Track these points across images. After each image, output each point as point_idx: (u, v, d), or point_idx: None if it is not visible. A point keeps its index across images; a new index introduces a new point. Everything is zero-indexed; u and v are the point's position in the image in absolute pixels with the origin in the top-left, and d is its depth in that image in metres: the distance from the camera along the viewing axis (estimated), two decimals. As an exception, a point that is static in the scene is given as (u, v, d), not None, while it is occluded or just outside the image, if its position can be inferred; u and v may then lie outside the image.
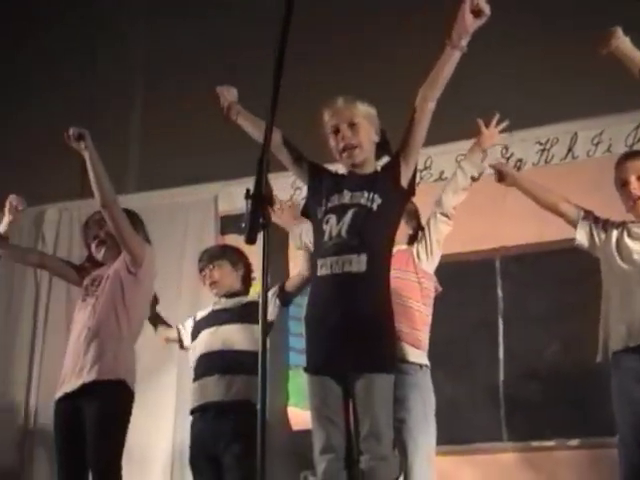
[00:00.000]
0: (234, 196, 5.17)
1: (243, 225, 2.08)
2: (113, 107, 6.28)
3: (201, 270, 4.23)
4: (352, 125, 3.13)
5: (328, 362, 3.02)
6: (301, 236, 3.69)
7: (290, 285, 4.07)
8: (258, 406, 2.09)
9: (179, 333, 4.30)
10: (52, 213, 5.43)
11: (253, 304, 4.11)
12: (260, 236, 2.09)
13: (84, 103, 6.31)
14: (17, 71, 6.54)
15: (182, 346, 4.31)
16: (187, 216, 5.32)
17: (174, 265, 5.15)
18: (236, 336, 4.05)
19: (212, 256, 4.22)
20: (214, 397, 3.94)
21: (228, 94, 3.41)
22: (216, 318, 4.14)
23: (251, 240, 2.06)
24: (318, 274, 3.10)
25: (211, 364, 4.02)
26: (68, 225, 5.41)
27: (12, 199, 4.10)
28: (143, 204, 4.08)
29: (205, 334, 4.12)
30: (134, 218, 3.89)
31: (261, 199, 2.07)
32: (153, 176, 5.88)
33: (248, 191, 2.12)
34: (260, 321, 2.12)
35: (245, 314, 4.09)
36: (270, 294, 4.06)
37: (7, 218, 4.09)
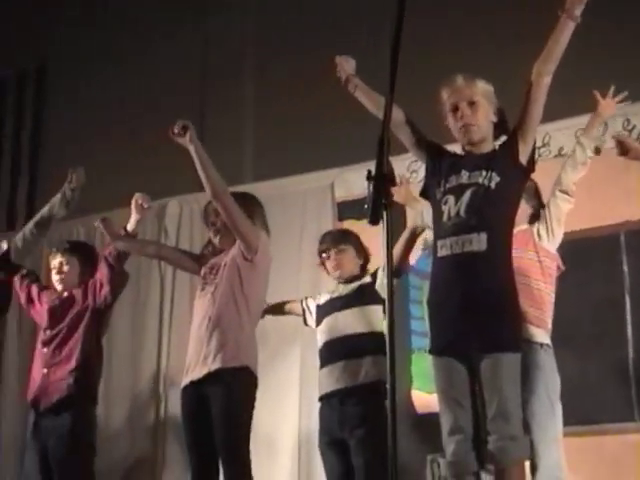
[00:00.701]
0: (350, 182, 5.18)
1: (366, 206, 2.08)
2: (225, 99, 6.36)
3: (322, 252, 4.24)
4: (471, 104, 3.12)
5: (452, 343, 3.01)
6: (422, 214, 3.67)
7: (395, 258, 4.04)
8: (387, 385, 2.07)
9: (304, 312, 4.34)
10: (173, 206, 5.55)
11: (367, 286, 4.13)
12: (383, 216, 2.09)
13: (196, 97, 6.44)
14: (133, 68, 6.72)
15: (306, 323, 4.35)
16: (304, 204, 5.35)
17: (292, 253, 5.19)
18: (355, 320, 4.06)
19: (336, 240, 4.22)
20: (340, 384, 3.97)
21: (347, 65, 3.38)
22: (334, 305, 4.16)
23: (374, 221, 2.06)
24: (438, 255, 3.10)
25: (335, 351, 4.04)
26: (189, 217, 5.52)
27: (138, 197, 4.20)
28: (259, 194, 4.09)
29: (326, 322, 4.14)
30: (253, 202, 3.92)
31: (383, 179, 2.06)
32: (268, 166, 5.94)
33: (369, 172, 2.12)
34: (387, 302, 2.13)
35: (361, 296, 4.11)
36: (380, 271, 4.08)
37: (134, 216, 4.19)
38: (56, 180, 6.76)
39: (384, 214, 2.08)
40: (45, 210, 4.25)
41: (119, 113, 6.68)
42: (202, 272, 3.89)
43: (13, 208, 7.02)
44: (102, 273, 4.29)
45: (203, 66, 6.52)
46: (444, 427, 3.02)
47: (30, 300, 4.50)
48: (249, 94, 6.42)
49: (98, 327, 4.37)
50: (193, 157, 3.63)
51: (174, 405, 5.16)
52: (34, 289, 4.50)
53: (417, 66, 4.65)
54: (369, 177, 2.11)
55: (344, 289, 4.20)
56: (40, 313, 4.48)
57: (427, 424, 4.41)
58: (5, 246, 4.46)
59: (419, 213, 3.78)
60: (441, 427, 3.04)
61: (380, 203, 2.05)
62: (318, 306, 4.28)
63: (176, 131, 3.60)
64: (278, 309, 4.32)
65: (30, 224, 4.29)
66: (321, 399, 4.10)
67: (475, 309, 2.96)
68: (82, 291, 4.36)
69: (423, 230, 3.87)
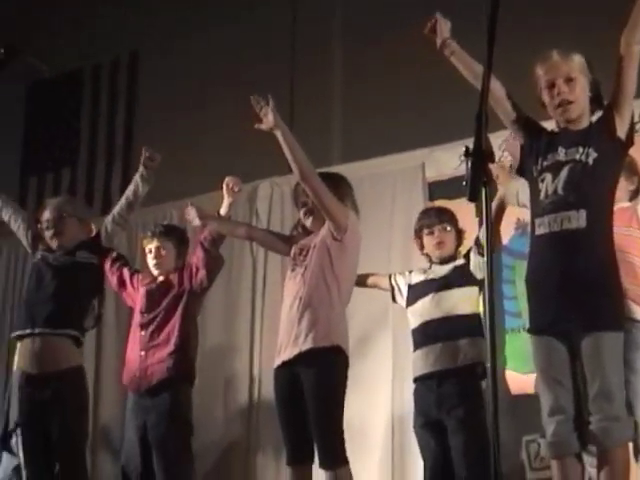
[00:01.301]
0: (441, 162, 5.12)
1: (464, 183, 2.05)
2: (313, 79, 6.37)
3: (425, 227, 4.19)
4: (569, 80, 3.06)
5: (552, 322, 2.96)
6: (518, 194, 3.62)
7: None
8: (488, 365, 2.05)
9: (392, 289, 4.32)
10: (264, 188, 5.57)
11: (462, 267, 4.11)
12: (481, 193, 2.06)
13: (284, 79, 6.45)
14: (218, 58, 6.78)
15: (394, 300, 4.33)
16: (394, 185, 5.31)
17: (383, 235, 5.16)
18: (453, 302, 4.04)
19: (441, 217, 4.18)
20: (438, 366, 3.96)
21: (444, 27, 3.23)
22: (430, 287, 4.13)
23: (473, 198, 2.03)
24: (536, 233, 3.05)
25: (432, 333, 4.02)
26: (280, 199, 5.54)
27: (229, 181, 4.23)
28: (349, 176, 4.07)
29: (422, 303, 4.12)
30: (341, 182, 3.90)
31: (481, 155, 2.03)
32: (357, 147, 5.92)
33: (467, 148, 2.09)
34: (486, 281, 2.09)
35: (457, 278, 4.08)
36: (472, 253, 4.04)
37: (227, 200, 4.22)
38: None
39: (482, 191, 2.05)
40: (130, 193, 4.31)
41: (210, 97, 6.74)
42: (292, 253, 3.89)
43: (108, 194, 7.16)
44: (198, 257, 4.33)
45: (291, 48, 6.52)
46: (544, 407, 2.97)
47: (122, 283, 4.57)
48: (337, 74, 6.40)
49: (195, 310, 4.43)
50: (280, 141, 3.63)
51: (267, 387, 5.21)
52: (125, 272, 4.57)
53: (512, 40, 4.55)
54: (467, 153, 2.08)
55: (439, 270, 4.16)
56: (133, 296, 4.56)
57: (521, 405, 4.36)
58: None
59: (513, 195, 3.71)
60: (541, 407, 2.99)
61: (479, 180, 2.02)
62: (410, 286, 4.24)
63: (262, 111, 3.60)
64: (363, 280, 4.27)
65: (116, 208, 4.36)
66: (416, 380, 4.09)
67: (575, 287, 2.90)
68: (178, 275, 4.42)
69: (506, 206, 3.80)
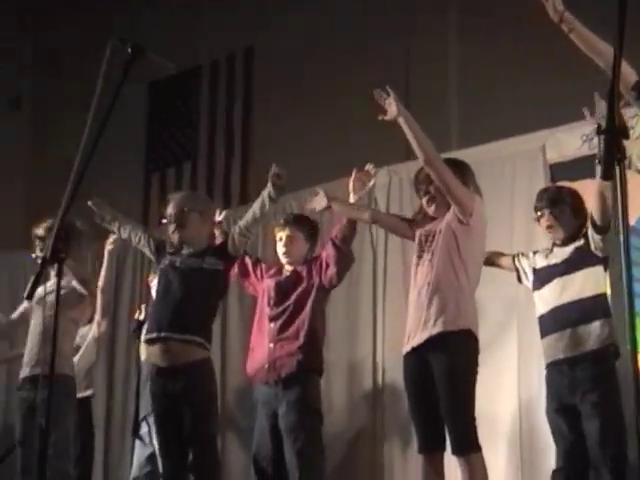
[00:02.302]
0: (563, 143, 5.01)
1: (597, 161, 1.99)
2: (429, 66, 6.33)
3: (537, 210, 4.16)
4: None
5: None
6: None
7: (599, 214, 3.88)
8: (628, 347, 1.99)
9: (517, 271, 4.26)
10: (382, 176, 5.54)
11: (583, 247, 4.03)
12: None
13: (399, 66, 6.43)
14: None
15: (520, 281, 4.27)
16: (514, 168, 5.22)
17: (504, 219, 5.08)
18: (579, 284, 3.96)
19: (551, 199, 4.12)
20: (570, 351, 3.89)
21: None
22: (554, 271, 4.06)
23: (608, 176, 1.96)
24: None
25: (561, 318, 3.96)
26: (398, 187, 5.52)
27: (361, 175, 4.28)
28: (468, 160, 4.04)
29: (548, 289, 4.05)
30: (464, 169, 3.89)
31: (615, 132, 1.96)
32: (475, 131, 5.85)
33: (599, 126, 2.03)
34: (623, 261, 2.03)
35: (580, 259, 4.00)
36: (589, 231, 3.94)
37: (355, 195, 4.28)
38: (268, 159, 6.99)
39: (617, 169, 1.98)
40: (256, 209, 4.24)
41: (324, 88, 6.77)
42: (417, 239, 3.91)
43: (228, 187, 7.29)
44: (329, 254, 4.34)
45: (406, 33, 6.49)
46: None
47: (244, 272, 4.59)
48: (453, 58, 6.34)
49: (323, 304, 4.46)
50: (404, 129, 3.66)
51: (391, 374, 5.22)
52: (247, 261, 4.58)
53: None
54: (599, 131, 2.02)
55: (561, 253, 4.09)
56: (256, 285, 4.59)
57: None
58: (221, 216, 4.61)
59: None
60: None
61: (613, 158, 1.96)
62: (534, 270, 4.18)
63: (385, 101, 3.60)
64: (486, 258, 4.19)
65: (243, 221, 4.28)
66: (548, 366, 4.02)
67: None
68: (307, 268, 4.44)
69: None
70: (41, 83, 8.64)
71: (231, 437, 5.89)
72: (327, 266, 4.35)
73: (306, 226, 4.54)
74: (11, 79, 8.34)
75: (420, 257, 3.84)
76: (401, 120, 3.65)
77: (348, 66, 6.67)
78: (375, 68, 6.44)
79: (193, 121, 7.70)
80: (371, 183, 4.30)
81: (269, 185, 4.14)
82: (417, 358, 3.73)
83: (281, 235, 4.50)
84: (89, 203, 4.38)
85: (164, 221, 4.38)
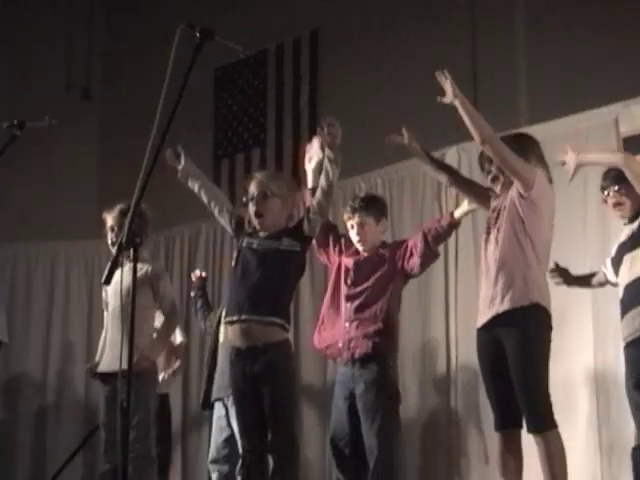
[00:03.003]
0: (636, 116, 4.92)
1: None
2: (496, 41, 6.26)
3: (603, 190, 4.14)
4: None
5: None
6: None
7: None
8: None
9: (605, 276, 4.27)
10: (451, 155, 5.52)
11: None
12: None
13: (466, 42, 6.37)
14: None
15: (612, 283, 4.25)
16: (586, 142, 5.11)
17: (577, 193, 4.99)
18: None
19: (616, 178, 4.07)
20: None
21: None
22: (623, 249, 4.04)
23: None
24: None
25: (632, 295, 3.92)
26: (467, 165, 5.45)
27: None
28: (538, 136, 3.99)
29: (622, 269, 4.02)
30: (524, 142, 3.87)
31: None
32: (544, 106, 5.77)
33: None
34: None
35: None
36: None
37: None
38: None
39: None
40: (322, 182, 4.15)
41: (390, 69, 6.75)
42: (487, 218, 3.91)
43: (297, 171, 7.29)
44: (416, 244, 4.34)
45: (472, 8, 6.43)
46: None
47: (323, 241, 4.55)
48: (520, 32, 6.24)
49: (401, 289, 4.46)
50: (460, 110, 3.69)
51: (464, 353, 5.20)
52: (333, 238, 4.57)
53: None
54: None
55: (628, 230, 4.06)
56: (331, 256, 4.56)
57: None
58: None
59: None
60: None
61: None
62: (611, 259, 4.18)
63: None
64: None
65: (315, 198, 4.25)
66: (626, 343, 3.98)
67: None
68: (390, 252, 4.43)
69: None
70: (111, 72, 8.78)
71: (307, 417, 5.92)
72: (411, 255, 4.34)
73: (374, 209, 4.52)
74: (82, 68, 8.46)
75: (488, 234, 3.84)
76: (457, 102, 3.68)
77: (413, 44, 6.63)
78: (440, 44, 6.40)
79: (260, 106, 7.73)
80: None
81: (326, 150, 4.07)
82: (488, 335, 3.72)
83: (352, 223, 4.49)
84: (170, 154, 4.24)
85: (245, 199, 4.28)
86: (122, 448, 2.83)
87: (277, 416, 4.00)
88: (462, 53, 6.32)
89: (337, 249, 4.55)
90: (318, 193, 4.12)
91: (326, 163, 4.09)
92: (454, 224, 4.38)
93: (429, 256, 4.36)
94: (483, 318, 3.73)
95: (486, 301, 3.73)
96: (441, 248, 5.40)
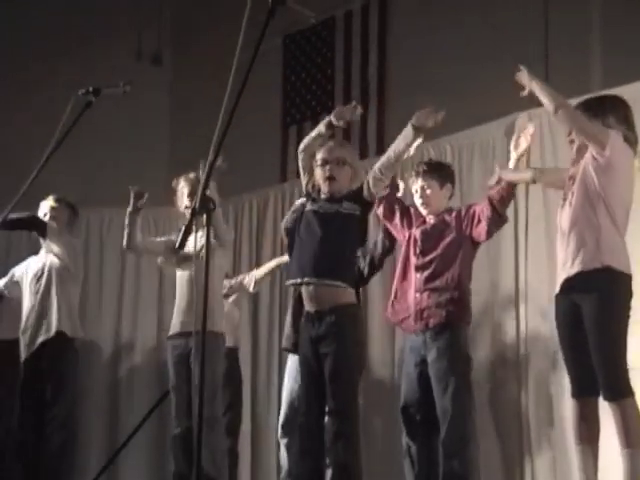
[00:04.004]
0: None
1: None
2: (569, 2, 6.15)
3: None
4: None
5: None
6: None
7: None
8: None
9: None
10: (522, 120, 5.45)
11: None
12: None
13: (538, 5, 6.26)
14: None
15: None
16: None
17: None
18: None
19: None
20: None
21: None
22: None
23: None
24: None
25: None
26: (538, 131, 5.31)
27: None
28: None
29: None
30: (597, 105, 3.85)
31: None
32: (618, 70, 5.64)
33: None
34: None
35: None
36: None
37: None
38: (403, 108, 6.94)
39: None
40: (391, 152, 4.11)
41: (459, 34, 6.67)
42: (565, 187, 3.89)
43: (364, 138, 7.29)
44: (482, 210, 4.31)
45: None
46: None
47: (391, 217, 4.57)
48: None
49: (472, 256, 4.44)
50: (535, 91, 3.77)
51: (535, 323, 5.16)
52: (400, 210, 4.57)
53: None
54: None
55: None
56: (401, 235, 4.56)
57: None
58: None
59: None
60: None
61: None
62: None
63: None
64: None
65: (378, 163, 4.22)
66: None
67: None
68: (455, 218, 4.42)
69: None
70: (181, 38, 8.83)
71: (375, 387, 5.93)
72: (479, 221, 4.32)
73: (438, 173, 4.51)
74: (153, 35, 8.53)
75: (564, 199, 3.83)
76: (532, 85, 3.78)
77: (485, 11, 6.53)
78: (513, 9, 6.31)
79: (328, 73, 7.71)
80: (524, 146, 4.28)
81: (409, 126, 4.07)
82: (566, 300, 3.70)
83: (416, 187, 4.49)
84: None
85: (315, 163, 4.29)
86: (199, 409, 2.89)
87: (338, 379, 3.98)
88: (533, 15, 6.22)
89: (406, 222, 4.54)
90: (384, 159, 4.14)
91: (401, 138, 4.11)
92: (513, 183, 4.30)
93: (497, 221, 4.32)
94: (559, 282, 3.72)
95: (561, 265, 3.72)
96: (511, 217, 5.40)
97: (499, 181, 4.28)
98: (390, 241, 4.69)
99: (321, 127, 4.26)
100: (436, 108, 4.07)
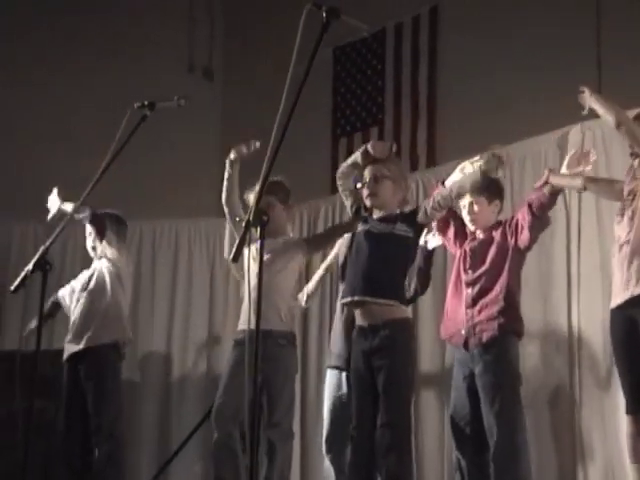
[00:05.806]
0: None
1: None
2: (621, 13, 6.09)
3: None
4: None
5: None
6: None
7: None
8: None
9: None
10: (575, 133, 5.39)
11: None
12: None
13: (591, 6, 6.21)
14: None
15: None
16: None
17: None
18: None
19: None
20: None
21: None
22: None
23: None
24: None
25: None
26: (591, 144, 5.28)
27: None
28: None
29: None
30: None
31: None
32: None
33: None
34: None
35: None
36: None
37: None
38: (454, 120, 6.93)
39: None
40: (454, 187, 4.21)
41: (511, 44, 6.65)
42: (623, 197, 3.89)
43: (414, 150, 7.28)
44: (524, 218, 4.30)
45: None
46: None
47: (444, 232, 4.60)
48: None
49: (519, 265, 4.42)
50: (595, 107, 3.88)
51: (588, 335, 5.09)
52: (454, 227, 4.58)
53: None
54: None
55: None
56: (454, 250, 4.59)
57: None
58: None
59: None
60: None
61: None
62: None
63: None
64: None
65: (438, 197, 4.27)
66: None
67: None
68: (501, 231, 4.41)
69: None
70: (232, 53, 8.90)
71: (425, 401, 5.90)
72: (522, 229, 4.30)
73: (487, 189, 4.47)
74: (204, 49, 8.60)
75: (622, 215, 3.81)
76: (593, 104, 3.88)
77: (537, 21, 6.50)
78: (564, 21, 6.27)
79: (379, 85, 7.72)
80: (588, 167, 4.25)
81: (476, 167, 4.11)
82: (623, 316, 3.70)
83: (464, 203, 4.48)
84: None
85: (359, 185, 4.36)
86: (251, 418, 2.90)
87: (391, 392, 4.00)
88: (585, 20, 6.17)
89: (460, 237, 4.56)
90: (445, 192, 4.17)
91: (472, 167, 4.14)
92: (555, 192, 4.28)
93: (539, 225, 4.30)
94: (618, 299, 3.71)
95: (621, 283, 3.69)
96: (563, 228, 5.35)
97: (545, 184, 4.24)
98: (422, 286, 4.71)
99: (357, 155, 4.34)
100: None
